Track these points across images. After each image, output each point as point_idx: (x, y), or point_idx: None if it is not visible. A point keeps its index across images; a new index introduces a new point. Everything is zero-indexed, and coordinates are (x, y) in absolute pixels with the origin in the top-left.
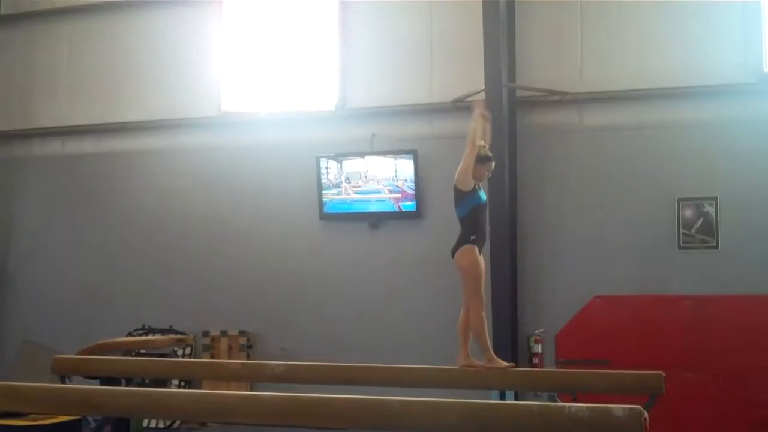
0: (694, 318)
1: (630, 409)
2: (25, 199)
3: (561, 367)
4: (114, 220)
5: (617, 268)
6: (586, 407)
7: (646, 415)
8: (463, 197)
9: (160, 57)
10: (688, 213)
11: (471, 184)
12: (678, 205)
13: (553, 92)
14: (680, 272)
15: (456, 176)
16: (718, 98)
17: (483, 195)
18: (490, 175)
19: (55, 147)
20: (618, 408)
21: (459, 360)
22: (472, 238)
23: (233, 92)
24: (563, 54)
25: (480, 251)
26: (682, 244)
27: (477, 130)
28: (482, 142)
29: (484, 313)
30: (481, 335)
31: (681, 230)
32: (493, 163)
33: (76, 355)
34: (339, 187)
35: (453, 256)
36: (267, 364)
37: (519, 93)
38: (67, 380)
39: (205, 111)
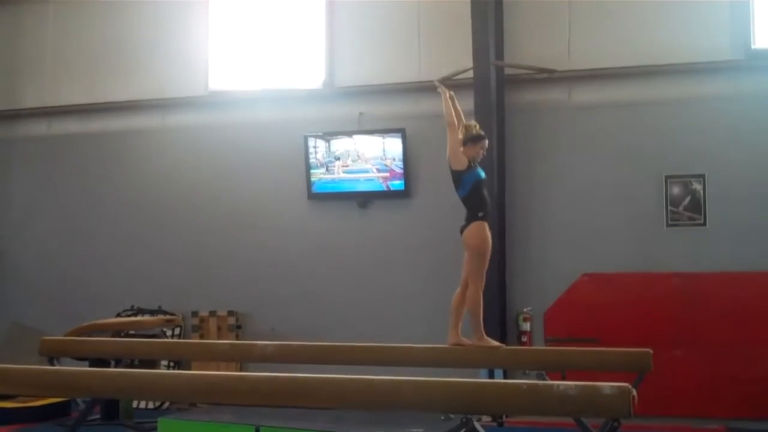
0: (682, 295)
1: (618, 386)
2: (11, 180)
3: (550, 345)
4: (102, 201)
5: (605, 245)
6: (575, 385)
7: (634, 392)
8: (460, 177)
9: (146, 36)
10: (675, 190)
11: (465, 163)
12: (666, 182)
13: (541, 70)
14: (668, 250)
15: (447, 158)
16: (705, 75)
17: (481, 172)
18: (484, 153)
19: (41, 128)
20: (606, 385)
21: (449, 338)
22: (480, 214)
23: (220, 71)
24: (551, 32)
25: (489, 228)
26: (670, 222)
27: (450, 108)
28: (473, 122)
29: (481, 292)
30: (476, 313)
31: (669, 208)
32: (486, 141)
33: (64, 336)
34: (327, 166)
35: (461, 233)
36: (256, 345)
37: (507, 71)
38: (55, 362)
39: (193, 90)
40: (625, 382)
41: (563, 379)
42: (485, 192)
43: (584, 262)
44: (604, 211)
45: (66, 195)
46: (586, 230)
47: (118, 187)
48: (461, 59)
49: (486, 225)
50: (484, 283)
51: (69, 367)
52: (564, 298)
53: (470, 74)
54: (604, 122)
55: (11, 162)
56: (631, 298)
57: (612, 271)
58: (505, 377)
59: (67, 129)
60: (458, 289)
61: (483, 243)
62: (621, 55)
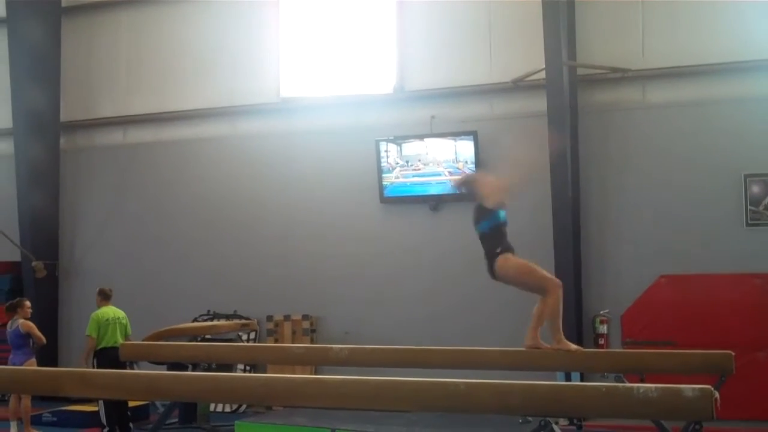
0: (763, 296)
1: (701, 389)
2: (89, 188)
3: (627, 348)
4: (177, 208)
5: (683, 246)
6: (655, 388)
7: (716, 395)
8: (487, 214)
9: (218, 44)
10: (755, 189)
11: (499, 203)
12: (745, 181)
13: (614, 69)
14: (748, 250)
15: (486, 194)
16: None
17: (503, 213)
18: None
19: (117, 137)
20: (688, 388)
21: (526, 340)
22: (498, 250)
23: (292, 77)
24: (624, 30)
25: (513, 253)
26: (749, 221)
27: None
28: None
29: (560, 294)
30: (556, 316)
31: (748, 207)
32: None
33: (143, 341)
34: (399, 170)
35: (493, 276)
36: (331, 348)
37: (580, 71)
38: (135, 366)
39: (265, 97)
40: (706, 384)
41: (642, 381)
42: (505, 232)
43: (662, 264)
44: (682, 212)
45: (142, 202)
46: (663, 231)
47: (193, 194)
48: (533, 60)
49: (508, 254)
50: (557, 285)
51: (149, 371)
52: (641, 300)
53: (542, 75)
54: (679, 121)
55: (88, 170)
56: (710, 299)
57: (690, 272)
58: (581, 380)
59: (142, 137)
60: (540, 299)
61: (518, 267)
62: (696, 52)
